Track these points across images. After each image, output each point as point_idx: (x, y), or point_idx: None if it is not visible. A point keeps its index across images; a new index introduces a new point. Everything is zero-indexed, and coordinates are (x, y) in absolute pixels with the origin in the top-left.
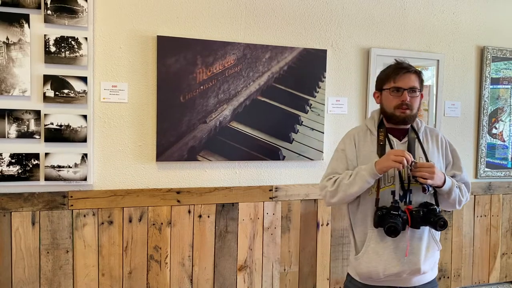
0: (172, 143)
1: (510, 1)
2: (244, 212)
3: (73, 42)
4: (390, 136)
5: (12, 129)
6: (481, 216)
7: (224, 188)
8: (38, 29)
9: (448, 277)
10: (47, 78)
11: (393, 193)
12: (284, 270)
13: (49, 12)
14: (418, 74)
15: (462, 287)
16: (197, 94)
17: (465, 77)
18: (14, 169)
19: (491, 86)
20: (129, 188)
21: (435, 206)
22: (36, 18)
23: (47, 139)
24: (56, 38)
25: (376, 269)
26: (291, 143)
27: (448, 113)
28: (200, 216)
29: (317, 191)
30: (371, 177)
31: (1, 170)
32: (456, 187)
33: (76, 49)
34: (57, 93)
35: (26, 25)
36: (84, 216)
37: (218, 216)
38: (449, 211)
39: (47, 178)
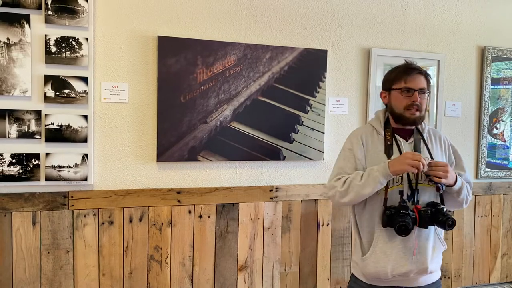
0: (172, 143)
1: (511, 1)
2: (244, 212)
3: (73, 42)
4: (397, 136)
5: (12, 129)
6: (481, 216)
7: (224, 188)
8: (39, 29)
9: (448, 277)
10: (47, 78)
11: (401, 192)
12: (285, 270)
13: (49, 12)
14: (427, 75)
15: (462, 287)
16: (197, 94)
17: (466, 77)
18: (14, 169)
19: (492, 86)
20: (130, 188)
21: (443, 206)
22: (36, 18)
23: (47, 139)
24: (57, 38)
25: (384, 269)
26: (292, 143)
27: (448, 113)
28: (200, 216)
29: (317, 191)
30: (384, 178)
31: (2, 170)
32: (465, 186)
33: (77, 49)
34: (57, 93)
35: (26, 26)
36: (85, 216)
37: (219, 216)
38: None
39: (47, 178)
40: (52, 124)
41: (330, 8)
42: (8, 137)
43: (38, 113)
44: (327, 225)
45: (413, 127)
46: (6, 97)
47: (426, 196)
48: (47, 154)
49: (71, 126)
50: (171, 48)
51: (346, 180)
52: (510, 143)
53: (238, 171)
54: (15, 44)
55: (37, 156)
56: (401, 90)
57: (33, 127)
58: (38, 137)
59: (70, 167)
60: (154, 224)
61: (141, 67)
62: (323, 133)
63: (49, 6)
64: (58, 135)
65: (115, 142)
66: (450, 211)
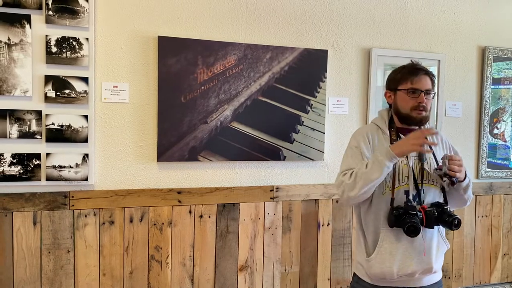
0: (173, 143)
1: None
2: (245, 212)
3: (74, 43)
4: (402, 136)
5: (13, 129)
6: (482, 217)
7: (225, 188)
8: (40, 29)
9: (449, 278)
10: (48, 79)
11: (406, 192)
12: (285, 270)
13: (50, 12)
14: (432, 76)
15: (463, 287)
16: (198, 94)
17: (466, 77)
18: (15, 169)
19: (493, 86)
20: (130, 188)
21: (447, 206)
22: (37, 18)
23: (48, 139)
24: (58, 38)
25: (390, 269)
26: (292, 143)
27: (449, 113)
28: (201, 216)
29: (318, 191)
30: (389, 161)
31: (3, 170)
32: (471, 183)
33: (77, 50)
34: (58, 93)
35: (27, 26)
36: (85, 216)
37: (219, 216)
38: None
39: (48, 178)
40: (53, 124)
41: (331, 8)
42: (9, 137)
43: (38, 113)
44: (328, 225)
45: (417, 127)
46: (7, 97)
47: (431, 196)
48: (47, 154)
49: (71, 126)
50: (171, 48)
51: (352, 172)
52: (510, 143)
53: (239, 171)
54: (16, 44)
55: (37, 156)
56: (408, 91)
57: (34, 127)
58: (38, 137)
59: (70, 167)
60: (154, 224)
61: (142, 67)
62: (324, 133)
63: (50, 6)
64: (59, 135)
65: (116, 142)
66: (453, 210)
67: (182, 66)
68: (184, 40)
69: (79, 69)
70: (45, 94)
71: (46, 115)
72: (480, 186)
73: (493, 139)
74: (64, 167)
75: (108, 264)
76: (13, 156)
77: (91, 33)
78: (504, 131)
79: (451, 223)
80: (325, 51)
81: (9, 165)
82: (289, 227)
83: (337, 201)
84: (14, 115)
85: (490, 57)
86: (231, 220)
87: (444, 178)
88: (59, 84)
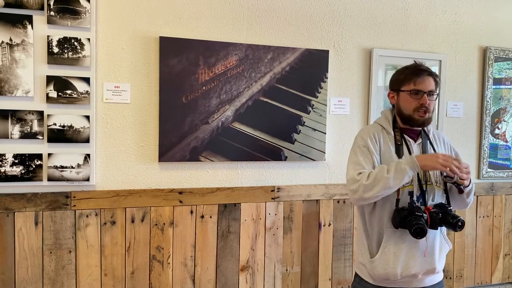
0: (174, 144)
1: None
2: (246, 212)
3: (76, 43)
4: (406, 137)
5: (15, 130)
6: (483, 217)
7: (226, 189)
8: (41, 30)
9: (450, 278)
10: (50, 79)
11: (410, 193)
12: (286, 270)
13: (52, 13)
14: (435, 77)
15: None
16: (199, 94)
17: (468, 77)
18: (17, 170)
19: (494, 87)
20: (132, 188)
21: (451, 207)
22: (39, 19)
23: (50, 140)
24: (59, 39)
25: (394, 270)
26: (293, 144)
27: (450, 113)
28: (202, 217)
29: (319, 192)
30: (412, 171)
31: (5, 171)
32: (473, 186)
33: (79, 50)
34: (60, 93)
35: (29, 26)
36: (87, 216)
37: (220, 217)
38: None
39: (50, 179)
40: (55, 124)
41: (332, 8)
42: (11, 138)
43: (40, 113)
44: (329, 226)
45: (420, 128)
46: (8, 98)
47: (434, 197)
48: (49, 155)
49: (73, 127)
50: (173, 48)
51: (370, 174)
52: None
53: (240, 171)
54: (17, 44)
55: (39, 156)
56: (410, 92)
57: (36, 128)
58: (40, 137)
59: (72, 167)
60: (156, 224)
61: (143, 68)
62: (325, 133)
63: (52, 7)
64: (61, 136)
65: (117, 143)
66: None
67: (183, 66)
68: (186, 41)
69: (81, 69)
70: (47, 94)
71: (48, 115)
72: (481, 187)
73: (494, 139)
74: (66, 167)
75: (109, 264)
76: (15, 156)
77: (93, 33)
78: (505, 131)
79: (455, 224)
80: (327, 51)
81: (11, 166)
82: (290, 227)
83: (338, 201)
84: (16, 116)
85: (491, 57)
86: (232, 220)
87: (452, 185)
88: (60, 84)
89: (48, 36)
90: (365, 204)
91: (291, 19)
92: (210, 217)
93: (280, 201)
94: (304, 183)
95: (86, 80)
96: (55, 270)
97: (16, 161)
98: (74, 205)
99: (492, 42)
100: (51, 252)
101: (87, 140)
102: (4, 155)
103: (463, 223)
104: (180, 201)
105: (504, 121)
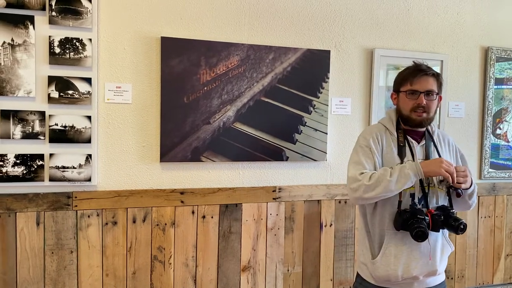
0: (176, 144)
1: None
2: (247, 212)
3: (77, 43)
4: (409, 138)
5: (17, 130)
6: (485, 217)
7: (227, 189)
8: (43, 30)
9: (452, 278)
10: (51, 79)
11: (412, 195)
12: (288, 270)
13: (53, 13)
14: (437, 76)
15: None
16: (200, 95)
17: (469, 77)
18: (19, 170)
19: (495, 87)
20: (133, 188)
21: (453, 210)
22: (40, 19)
23: (51, 140)
24: (61, 39)
25: (395, 272)
26: (295, 144)
27: (452, 113)
28: (203, 217)
29: (320, 192)
30: (415, 176)
31: (6, 171)
32: (476, 188)
33: (81, 50)
34: (61, 94)
35: (31, 27)
36: (88, 216)
37: (222, 217)
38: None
39: (51, 179)
40: (56, 124)
41: (333, 8)
42: (13, 138)
43: (42, 113)
44: (330, 226)
45: (424, 129)
46: (10, 98)
47: (436, 199)
48: (51, 155)
49: (75, 127)
50: (174, 49)
51: (373, 175)
52: None
53: (241, 171)
54: (19, 45)
55: (41, 156)
56: (407, 93)
57: (37, 128)
58: (42, 137)
59: (74, 167)
60: (157, 225)
61: (145, 68)
62: (326, 133)
63: (53, 7)
64: (62, 136)
65: (119, 143)
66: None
67: (185, 66)
68: (187, 41)
69: (82, 69)
70: (49, 94)
71: (50, 115)
72: (483, 187)
73: (496, 139)
74: (67, 167)
75: (111, 264)
76: (17, 156)
77: (94, 34)
78: (507, 131)
79: (457, 227)
80: (328, 52)
81: (13, 166)
82: (292, 227)
83: (339, 202)
84: (17, 116)
85: (493, 57)
86: (234, 221)
87: (451, 189)
88: (62, 84)
89: (49, 36)
90: (364, 204)
91: (293, 19)
92: (212, 217)
93: (281, 202)
94: (305, 183)
95: (88, 80)
96: (56, 271)
97: (18, 161)
98: (76, 206)
99: (493, 42)
100: (52, 253)
101: (88, 141)
102: (6, 155)
103: (465, 226)
104: (182, 201)
105: (506, 121)
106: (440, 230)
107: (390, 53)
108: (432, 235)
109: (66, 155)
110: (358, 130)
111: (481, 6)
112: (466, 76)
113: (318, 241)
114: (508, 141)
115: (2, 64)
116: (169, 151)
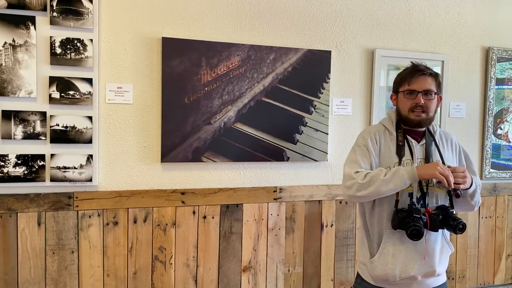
0: (176, 144)
1: None
2: (248, 213)
3: (78, 44)
4: (409, 138)
5: (18, 130)
6: (486, 218)
7: (228, 189)
8: (44, 31)
9: (453, 279)
10: (53, 80)
11: (410, 195)
12: (289, 271)
13: (55, 14)
14: (435, 76)
15: None
16: (201, 95)
17: (470, 77)
18: (20, 170)
19: (496, 87)
20: (134, 189)
21: (452, 209)
22: (42, 20)
23: (52, 140)
24: (62, 40)
25: (393, 271)
26: (295, 144)
27: (453, 114)
28: (204, 217)
29: (321, 192)
30: (410, 179)
31: (7, 171)
32: (478, 188)
33: (82, 51)
34: (62, 94)
35: (32, 27)
36: (90, 217)
37: (223, 217)
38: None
39: (52, 179)
40: (57, 125)
41: (334, 9)
42: (14, 138)
43: (43, 114)
44: (331, 226)
45: (424, 129)
46: (11, 98)
47: (436, 199)
48: (52, 155)
49: (76, 127)
50: (175, 49)
51: (367, 174)
52: None
53: (242, 172)
54: (20, 45)
55: (42, 157)
56: (405, 93)
57: (38, 128)
58: (43, 138)
59: (75, 168)
60: (158, 225)
61: (146, 68)
62: (327, 134)
63: (54, 8)
64: (63, 136)
65: (120, 143)
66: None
67: (185, 67)
68: (188, 41)
69: (83, 70)
70: (50, 95)
71: (51, 116)
72: (484, 187)
73: (497, 139)
74: (69, 168)
75: (112, 264)
76: (18, 157)
77: (95, 34)
78: (508, 131)
79: (456, 227)
80: (329, 52)
81: (14, 166)
82: (293, 228)
83: (340, 202)
84: (18, 116)
85: (494, 58)
86: (235, 221)
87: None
88: (63, 85)
89: (51, 37)
90: (359, 202)
91: (294, 20)
92: (213, 217)
93: (282, 202)
94: (306, 183)
95: (89, 81)
96: (57, 271)
97: (19, 161)
98: (77, 206)
99: (494, 42)
100: (53, 253)
101: (89, 141)
102: (7, 155)
103: (464, 225)
104: (183, 202)
105: (507, 121)
106: (440, 230)
107: (391, 53)
108: (431, 235)
109: (67, 156)
110: (359, 130)
111: (482, 6)
112: (467, 76)
113: (319, 242)
114: (509, 141)
115: (4, 64)
116: (170, 151)
